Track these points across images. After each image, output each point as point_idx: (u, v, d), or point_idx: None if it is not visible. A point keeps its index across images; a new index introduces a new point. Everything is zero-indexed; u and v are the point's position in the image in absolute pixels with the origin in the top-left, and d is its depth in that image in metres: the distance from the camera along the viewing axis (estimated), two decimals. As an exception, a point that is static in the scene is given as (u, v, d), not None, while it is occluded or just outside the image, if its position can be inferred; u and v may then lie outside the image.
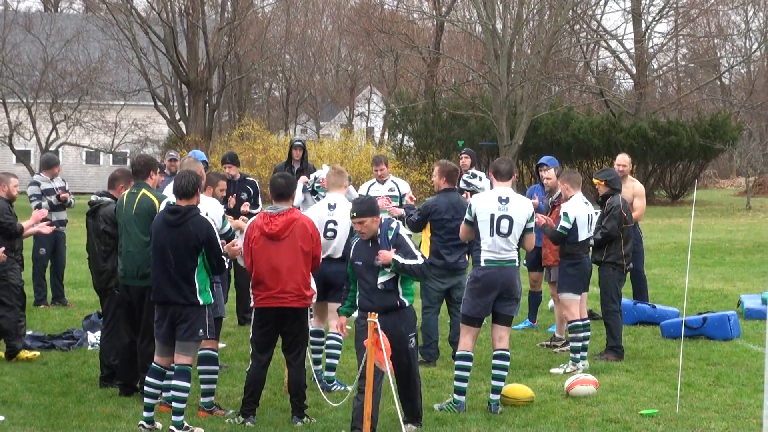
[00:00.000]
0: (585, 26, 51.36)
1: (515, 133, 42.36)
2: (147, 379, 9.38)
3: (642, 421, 9.74)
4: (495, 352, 10.18)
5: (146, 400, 9.33)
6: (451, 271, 12.01)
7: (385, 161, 14.59)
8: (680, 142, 44.92)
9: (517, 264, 10.17)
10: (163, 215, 9.36)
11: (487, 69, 43.97)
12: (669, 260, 23.12)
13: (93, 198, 11.05)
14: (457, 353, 10.26)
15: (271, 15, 59.21)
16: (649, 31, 50.20)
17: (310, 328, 11.03)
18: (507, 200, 10.08)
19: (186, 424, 9.17)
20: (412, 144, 50.70)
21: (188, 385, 9.21)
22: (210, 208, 10.00)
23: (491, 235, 10.02)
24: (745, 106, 58.10)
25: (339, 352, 11.09)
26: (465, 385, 10.12)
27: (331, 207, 11.17)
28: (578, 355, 11.75)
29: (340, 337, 10.84)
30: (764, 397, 5.20)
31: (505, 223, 9.99)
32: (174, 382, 9.19)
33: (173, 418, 9.15)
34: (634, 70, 51.25)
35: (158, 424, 9.30)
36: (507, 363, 10.16)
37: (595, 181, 12.67)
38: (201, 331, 9.22)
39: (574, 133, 45.28)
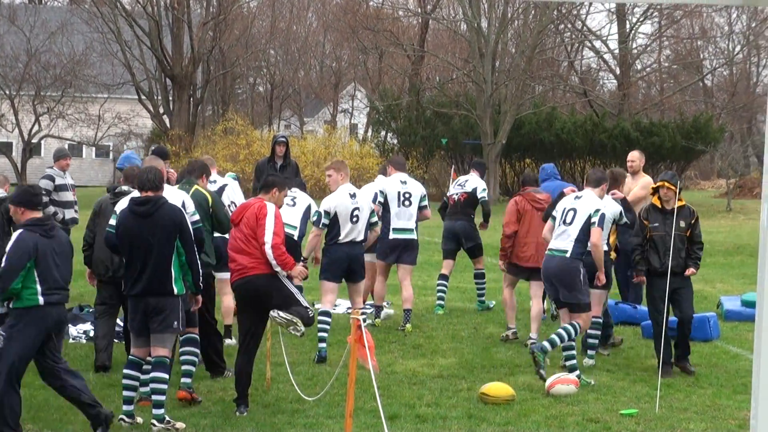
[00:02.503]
0: (569, 26, 51.38)
1: (499, 132, 42.43)
2: (125, 371, 9.37)
3: (622, 420, 9.78)
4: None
5: (125, 393, 9.31)
6: None
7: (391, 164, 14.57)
8: (662, 143, 44.99)
9: (567, 255, 11.15)
10: (130, 207, 9.34)
11: (472, 67, 44.01)
12: (650, 261, 23.13)
13: (123, 188, 11.03)
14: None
15: (256, 10, 59.15)
16: (633, 31, 50.27)
17: (319, 308, 12.03)
18: (580, 197, 11.51)
19: (167, 418, 9.17)
20: (395, 141, 50.69)
21: (167, 376, 9.23)
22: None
23: (559, 225, 11.40)
24: (726, 108, 58.25)
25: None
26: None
27: (352, 196, 12.13)
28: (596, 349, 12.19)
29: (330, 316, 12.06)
30: (751, 399, 5.22)
31: (570, 214, 11.37)
32: (153, 374, 9.19)
33: (154, 411, 9.15)
34: (617, 71, 51.33)
35: (139, 419, 9.29)
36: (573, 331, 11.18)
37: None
38: (175, 323, 9.23)
39: (557, 132, 45.32)
